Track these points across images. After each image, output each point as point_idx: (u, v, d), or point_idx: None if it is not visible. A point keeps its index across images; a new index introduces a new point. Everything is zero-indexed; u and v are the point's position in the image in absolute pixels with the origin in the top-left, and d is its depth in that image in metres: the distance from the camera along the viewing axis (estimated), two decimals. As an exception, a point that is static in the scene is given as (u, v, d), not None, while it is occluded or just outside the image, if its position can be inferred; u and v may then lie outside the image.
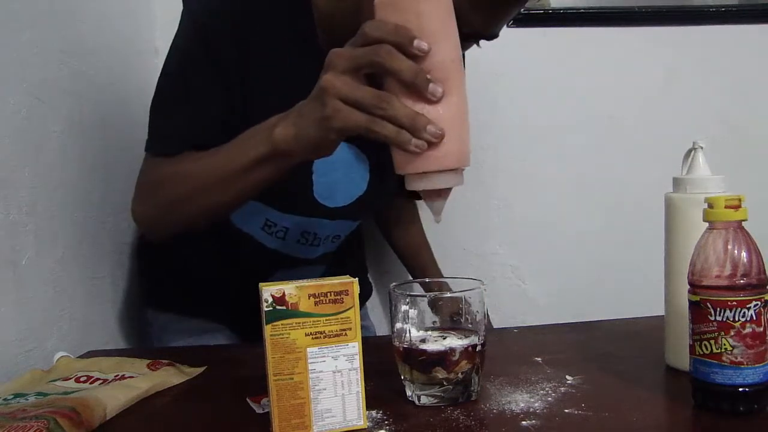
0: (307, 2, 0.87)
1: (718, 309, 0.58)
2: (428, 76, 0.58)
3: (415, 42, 0.58)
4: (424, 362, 0.64)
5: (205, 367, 0.80)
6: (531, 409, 0.62)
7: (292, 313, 0.58)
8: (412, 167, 0.60)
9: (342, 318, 0.59)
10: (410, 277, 1.26)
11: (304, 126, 0.67)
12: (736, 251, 0.58)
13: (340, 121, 0.62)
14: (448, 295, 0.66)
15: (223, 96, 0.84)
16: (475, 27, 0.78)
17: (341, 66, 0.61)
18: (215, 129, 0.81)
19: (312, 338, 0.58)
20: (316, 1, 0.87)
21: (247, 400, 0.67)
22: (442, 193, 0.62)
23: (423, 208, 1.24)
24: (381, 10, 0.60)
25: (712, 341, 0.58)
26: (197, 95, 0.84)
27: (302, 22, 0.87)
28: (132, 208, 0.89)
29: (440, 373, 0.63)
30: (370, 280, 1.26)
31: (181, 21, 0.87)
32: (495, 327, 1.12)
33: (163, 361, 0.79)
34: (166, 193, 0.83)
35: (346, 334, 0.59)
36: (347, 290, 0.59)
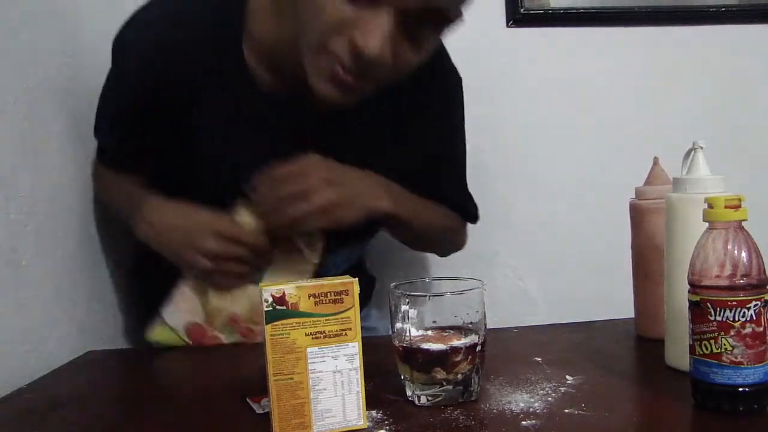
0: (236, 39, 0.88)
1: (718, 309, 0.58)
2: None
3: None
4: (424, 362, 0.64)
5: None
6: (531, 409, 0.62)
7: (292, 313, 0.58)
8: None
9: (342, 318, 0.59)
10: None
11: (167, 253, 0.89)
12: (736, 251, 0.58)
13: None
14: (449, 294, 0.66)
15: (158, 135, 0.92)
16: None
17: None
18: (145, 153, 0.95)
19: (312, 338, 0.58)
20: (257, 35, 0.88)
21: (247, 400, 0.67)
22: None
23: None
24: None
25: (712, 341, 0.58)
26: (128, 134, 0.94)
27: (233, 60, 0.88)
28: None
29: (440, 374, 0.63)
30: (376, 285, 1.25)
31: (112, 73, 0.94)
32: (495, 327, 1.11)
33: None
34: (97, 188, 1.03)
35: (346, 334, 0.59)
36: (347, 290, 0.59)
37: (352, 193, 0.87)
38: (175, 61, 0.86)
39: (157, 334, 0.91)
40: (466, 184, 1.10)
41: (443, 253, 1.17)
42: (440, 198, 1.04)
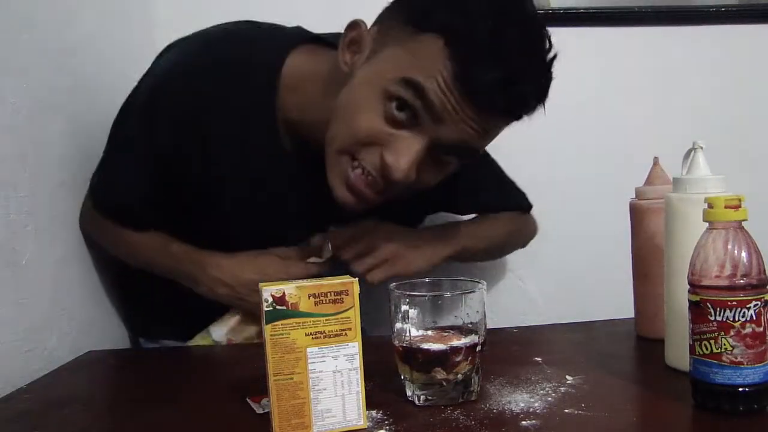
0: (271, 111, 0.87)
1: (718, 309, 0.58)
2: None
3: None
4: (424, 362, 0.64)
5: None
6: (531, 409, 0.62)
7: (292, 313, 0.58)
8: None
9: (342, 318, 0.59)
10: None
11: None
12: (736, 251, 0.58)
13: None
14: (449, 294, 0.66)
15: (170, 191, 0.91)
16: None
17: None
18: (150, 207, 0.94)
19: (312, 338, 0.58)
20: (285, 112, 0.88)
21: (247, 400, 0.67)
22: None
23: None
24: None
25: (712, 341, 0.58)
26: (139, 183, 0.92)
27: (266, 128, 0.88)
28: (80, 224, 0.98)
29: (440, 374, 0.63)
30: None
31: (134, 108, 0.91)
32: (495, 327, 1.12)
33: None
34: (103, 241, 0.99)
35: (346, 334, 0.59)
36: (347, 290, 0.59)
37: (414, 243, 0.95)
38: (213, 117, 0.86)
39: (198, 343, 0.96)
40: (506, 179, 1.14)
41: (523, 245, 1.23)
42: (493, 209, 1.10)
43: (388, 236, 0.94)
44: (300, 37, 0.91)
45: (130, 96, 0.93)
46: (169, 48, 0.93)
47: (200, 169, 0.88)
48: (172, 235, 0.95)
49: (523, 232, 1.19)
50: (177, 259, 0.94)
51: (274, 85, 0.86)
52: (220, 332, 0.95)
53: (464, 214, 1.13)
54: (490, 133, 0.83)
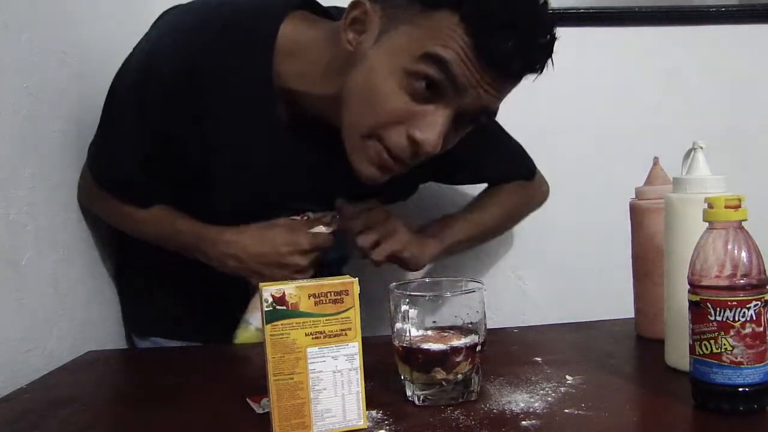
0: (268, 78, 0.87)
1: (718, 309, 0.58)
2: None
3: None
4: (424, 362, 0.64)
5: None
6: (531, 409, 0.62)
7: (292, 313, 0.58)
8: None
9: (342, 318, 0.59)
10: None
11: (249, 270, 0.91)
12: (736, 251, 0.58)
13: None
14: (449, 294, 0.66)
15: (170, 164, 0.91)
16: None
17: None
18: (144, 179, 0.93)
19: (312, 338, 0.58)
20: (283, 81, 0.87)
21: (247, 400, 0.67)
22: None
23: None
24: None
25: (712, 341, 0.58)
26: (132, 152, 0.91)
27: (263, 96, 0.87)
28: (78, 197, 0.99)
29: (440, 374, 0.63)
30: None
31: (127, 77, 0.90)
32: (495, 327, 1.12)
33: None
34: (104, 214, 1.00)
35: (346, 334, 0.59)
36: (347, 290, 0.59)
37: (409, 240, 0.98)
38: (206, 85, 0.85)
39: (245, 338, 0.94)
40: (505, 145, 1.13)
41: (539, 207, 1.22)
42: (492, 180, 1.11)
43: (390, 232, 0.96)
44: (292, 3, 0.90)
45: (124, 63, 0.92)
46: (164, 15, 0.92)
47: (194, 139, 0.87)
48: (176, 207, 0.95)
49: (530, 202, 1.19)
50: (184, 235, 0.94)
51: (270, 51, 0.86)
52: (257, 318, 0.92)
53: (460, 184, 1.12)
54: (505, 94, 0.86)
